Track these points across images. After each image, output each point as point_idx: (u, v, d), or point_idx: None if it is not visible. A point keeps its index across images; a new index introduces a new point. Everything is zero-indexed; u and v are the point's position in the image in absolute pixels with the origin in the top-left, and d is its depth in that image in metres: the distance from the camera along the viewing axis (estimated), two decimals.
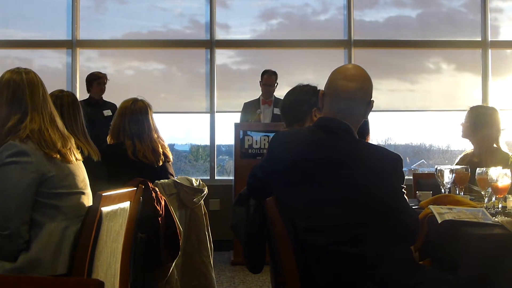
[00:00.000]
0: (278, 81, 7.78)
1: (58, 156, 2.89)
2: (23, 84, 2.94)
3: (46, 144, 2.88)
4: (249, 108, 7.77)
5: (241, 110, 7.90)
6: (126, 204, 3.30)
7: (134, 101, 4.55)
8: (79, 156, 3.07)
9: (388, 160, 2.73)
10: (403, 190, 2.75)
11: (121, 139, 4.43)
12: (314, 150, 2.76)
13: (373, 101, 2.91)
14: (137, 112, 4.48)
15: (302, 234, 2.68)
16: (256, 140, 6.95)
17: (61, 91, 4.19)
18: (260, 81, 7.78)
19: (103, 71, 7.89)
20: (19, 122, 2.89)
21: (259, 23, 9.06)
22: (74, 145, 3.06)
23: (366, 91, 2.88)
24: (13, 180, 2.77)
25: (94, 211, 2.87)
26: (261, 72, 7.80)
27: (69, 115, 3.97)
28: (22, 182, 2.78)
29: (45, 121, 2.95)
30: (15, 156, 2.78)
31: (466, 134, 4.78)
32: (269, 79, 7.72)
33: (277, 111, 7.48)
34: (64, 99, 4.05)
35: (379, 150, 2.82)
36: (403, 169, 2.83)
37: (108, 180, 4.02)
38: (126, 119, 4.46)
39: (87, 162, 3.59)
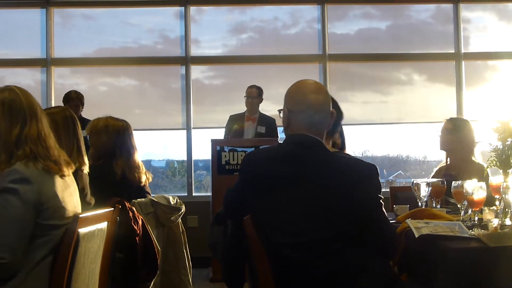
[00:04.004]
0: None
1: (54, 166, 2.87)
2: (18, 96, 2.93)
3: (44, 151, 2.86)
4: (234, 121, 7.70)
5: (219, 124, 7.91)
6: (104, 225, 3.28)
7: (118, 120, 4.56)
8: (70, 172, 3.05)
9: (363, 171, 2.75)
10: (380, 201, 2.76)
11: (108, 159, 4.42)
12: (287, 166, 2.76)
13: (334, 111, 2.94)
14: (124, 131, 4.50)
15: (279, 251, 2.68)
16: (233, 156, 6.95)
17: (56, 107, 4.20)
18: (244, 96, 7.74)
19: (76, 88, 7.85)
20: (21, 131, 2.87)
21: (229, 38, 9.10)
22: (66, 158, 3.04)
23: (330, 102, 2.92)
24: (13, 208, 2.73)
25: (71, 233, 2.84)
26: None
27: (65, 131, 3.97)
28: (21, 210, 2.74)
29: (43, 127, 2.94)
30: (18, 183, 2.74)
31: (444, 147, 4.82)
32: (248, 90, 7.68)
33: (260, 129, 7.48)
34: (56, 115, 4.04)
35: (354, 162, 2.83)
36: (380, 180, 2.85)
37: (96, 200, 4.00)
38: (113, 139, 4.46)
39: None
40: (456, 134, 4.77)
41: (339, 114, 3.78)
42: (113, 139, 4.47)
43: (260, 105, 7.76)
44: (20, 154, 2.82)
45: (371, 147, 9.39)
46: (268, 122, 7.63)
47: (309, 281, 2.63)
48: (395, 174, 9.70)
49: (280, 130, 7.75)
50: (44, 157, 2.86)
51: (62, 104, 7.55)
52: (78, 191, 3.14)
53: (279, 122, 7.92)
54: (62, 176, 2.93)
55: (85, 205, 3.76)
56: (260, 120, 7.64)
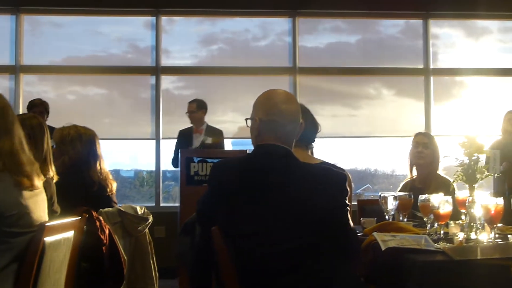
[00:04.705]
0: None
1: (26, 181, 2.83)
2: None
3: (16, 168, 2.81)
4: (184, 136, 7.89)
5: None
6: (70, 234, 3.24)
7: (86, 128, 4.55)
8: (41, 183, 3.01)
9: (334, 178, 2.76)
10: (347, 207, 2.78)
11: (82, 167, 4.40)
12: (257, 176, 2.75)
13: (303, 121, 2.94)
14: (93, 140, 4.49)
15: (248, 260, 2.67)
16: (202, 167, 6.93)
17: (27, 114, 4.16)
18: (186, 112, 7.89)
19: (43, 96, 7.80)
20: None
21: (200, 49, 9.12)
22: (37, 170, 3.00)
23: (300, 112, 2.93)
24: None
25: (36, 242, 2.81)
26: None
27: (40, 138, 3.94)
28: None
29: (16, 142, 2.90)
30: None
31: (423, 160, 4.86)
32: (188, 106, 7.83)
33: (207, 140, 7.60)
34: (32, 120, 4.01)
35: (325, 170, 2.84)
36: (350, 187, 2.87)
37: (67, 209, 3.96)
38: (88, 147, 4.44)
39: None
40: (431, 148, 4.84)
41: (316, 124, 3.81)
42: (87, 147, 4.46)
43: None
44: None
45: (340, 160, 9.43)
46: (214, 134, 7.77)
47: None
48: (363, 187, 9.75)
49: (228, 142, 8.23)
50: (16, 172, 2.81)
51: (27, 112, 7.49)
52: (46, 201, 3.10)
53: (228, 133, 8.34)
54: (32, 190, 2.90)
55: (52, 213, 3.73)
56: (207, 131, 7.78)
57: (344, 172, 2.85)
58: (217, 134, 7.77)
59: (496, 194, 7.08)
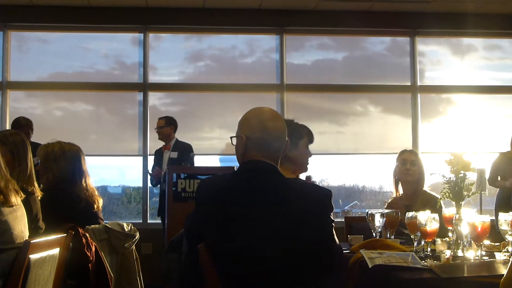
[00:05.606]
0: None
1: (1, 197, 2.81)
2: None
3: None
4: (157, 154, 7.97)
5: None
6: (56, 251, 3.23)
7: (71, 145, 4.52)
8: (19, 200, 3.00)
9: (319, 196, 2.76)
10: (332, 224, 2.78)
11: (67, 184, 4.37)
12: (243, 193, 2.74)
13: (288, 139, 2.94)
14: (78, 156, 4.47)
15: (237, 279, 2.66)
16: (189, 184, 6.92)
17: (10, 130, 4.14)
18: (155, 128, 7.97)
19: (30, 112, 7.78)
20: None
21: (187, 65, 9.14)
22: (15, 187, 2.99)
23: (286, 130, 2.93)
24: None
25: (21, 259, 2.80)
26: None
27: (24, 154, 3.92)
28: None
29: None
30: None
31: (411, 178, 4.86)
32: (157, 122, 7.91)
33: (173, 155, 7.71)
34: (15, 137, 3.99)
35: (310, 187, 2.85)
36: (334, 208, 2.86)
37: (53, 226, 3.94)
38: (72, 164, 4.41)
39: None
40: (418, 165, 4.85)
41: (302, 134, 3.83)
42: (72, 164, 4.43)
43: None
44: None
45: (328, 177, 9.45)
46: (181, 148, 7.81)
47: None
48: (351, 204, 9.76)
49: (215, 158, 8.49)
50: None
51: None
52: (26, 216, 3.08)
53: (216, 150, 8.63)
54: (9, 206, 2.88)
55: (36, 230, 3.71)
56: (174, 146, 7.83)
57: (328, 190, 2.85)
58: (183, 149, 7.78)
59: (499, 208, 7.12)
